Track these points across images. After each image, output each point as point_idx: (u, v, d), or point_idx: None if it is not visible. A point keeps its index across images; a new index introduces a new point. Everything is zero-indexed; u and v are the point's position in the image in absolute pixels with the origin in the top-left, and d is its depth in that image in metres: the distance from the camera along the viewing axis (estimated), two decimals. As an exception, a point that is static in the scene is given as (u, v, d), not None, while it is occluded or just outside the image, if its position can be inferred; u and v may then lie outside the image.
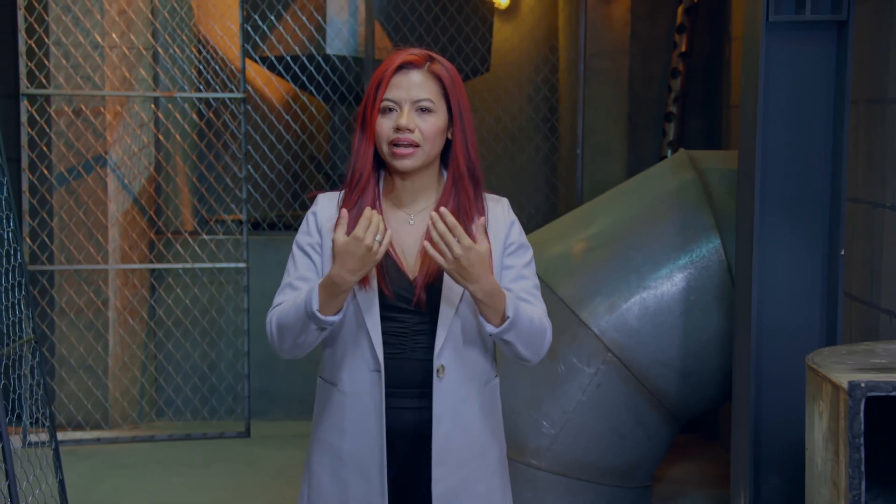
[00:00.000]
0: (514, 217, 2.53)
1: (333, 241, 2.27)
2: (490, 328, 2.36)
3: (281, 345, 2.43)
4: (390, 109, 2.41)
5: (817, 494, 2.55)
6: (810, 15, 3.41)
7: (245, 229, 6.13)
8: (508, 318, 2.34)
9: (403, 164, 2.40)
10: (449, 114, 2.45)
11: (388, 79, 2.41)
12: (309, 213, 2.51)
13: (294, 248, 2.50)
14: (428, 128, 2.40)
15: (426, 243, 2.27)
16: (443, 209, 2.27)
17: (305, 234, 2.49)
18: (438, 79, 2.43)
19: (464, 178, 2.46)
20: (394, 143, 2.39)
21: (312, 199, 2.55)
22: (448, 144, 2.48)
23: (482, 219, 2.34)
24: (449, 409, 2.41)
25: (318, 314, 2.31)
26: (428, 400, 2.41)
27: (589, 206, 4.74)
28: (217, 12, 6.74)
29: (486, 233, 2.32)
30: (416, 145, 2.39)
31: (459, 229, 2.26)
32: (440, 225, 2.25)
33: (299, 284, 2.44)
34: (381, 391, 2.39)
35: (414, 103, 2.40)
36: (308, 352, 2.44)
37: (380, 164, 2.49)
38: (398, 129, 2.38)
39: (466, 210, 2.45)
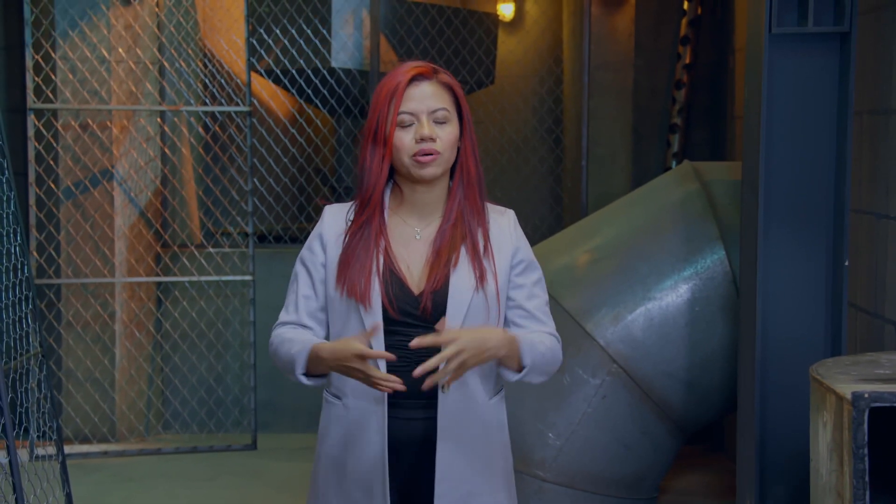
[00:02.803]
0: (520, 232, 2.54)
1: (349, 339, 2.31)
2: (510, 376, 2.41)
3: (277, 367, 2.53)
4: (408, 123, 2.43)
5: (822, 505, 2.56)
6: (813, 27, 3.42)
7: (251, 242, 6.15)
8: (526, 366, 2.39)
9: (428, 171, 2.42)
10: (459, 123, 2.47)
11: (401, 92, 2.42)
12: (315, 229, 2.53)
13: (297, 264, 2.53)
14: (447, 136, 2.43)
15: (442, 388, 2.32)
16: (413, 344, 2.27)
17: (309, 251, 2.51)
18: (449, 88, 2.46)
19: (472, 184, 2.48)
20: (416, 154, 2.41)
21: (318, 208, 2.58)
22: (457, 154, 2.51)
23: (443, 320, 2.35)
24: (454, 424, 2.41)
25: (301, 378, 2.42)
26: (434, 411, 2.42)
27: (594, 218, 4.75)
28: (223, 26, 6.78)
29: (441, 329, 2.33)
30: (439, 153, 2.41)
31: (438, 337, 2.26)
32: (430, 364, 2.25)
33: (301, 301, 2.50)
34: (384, 406, 2.40)
35: (431, 114, 2.42)
36: None
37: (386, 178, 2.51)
38: (422, 140, 2.40)
39: (473, 216, 2.47)
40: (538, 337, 2.45)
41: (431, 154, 2.40)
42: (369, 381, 2.30)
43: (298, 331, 2.48)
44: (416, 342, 2.26)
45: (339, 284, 2.42)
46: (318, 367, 2.39)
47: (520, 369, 2.40)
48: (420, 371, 2.25)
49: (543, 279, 2.54)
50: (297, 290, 2.50)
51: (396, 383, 2.28)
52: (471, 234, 2.46)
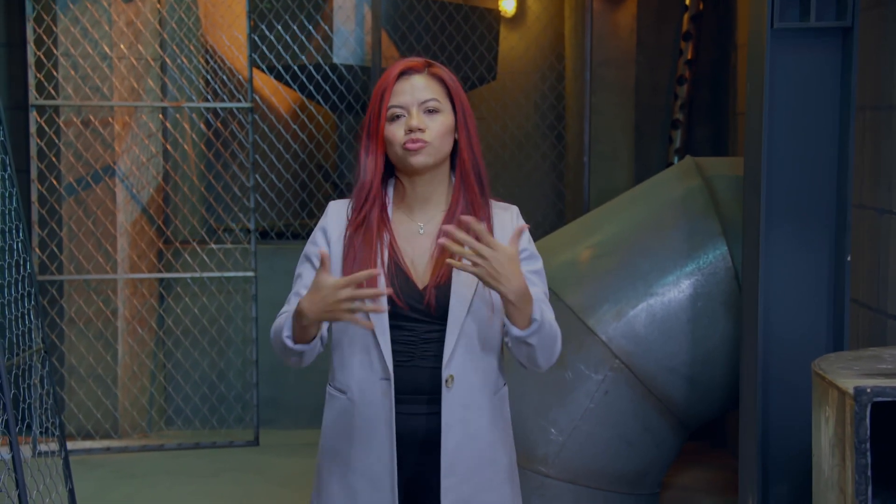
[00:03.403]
0: (523, 224, 2.54)
1: (316, 275, 2.26)
2: (516, 331, 2.33)
3: (277, 354, 2.46)
4: (398, 116, 2.43)
5: (824, 500, 2.56)
6: (815, 22, 3.42)
7: (253, 238, 6.15)
8: (535, 320, 2.33)
9: (417, 159, 2.42)
10: (454, 115, 2.48)
11: (391, 87, 2.43)
12: (320, 223, 2.53)
13: (302, 257, 2.53)
14: (437, 126, 2.43)
15: (449, 261, 2.25)
16: (465, 217, 2.25)
17: (313, 245, 2.51)
18: (441, 80, 2.47)
19: (469, 176, 2.48)
20: (405, 144, 2.42)
21: (321, 205, 2.58)
22: (455, 147, 2.51)
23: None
24: (458, 419, 2.42)
25: (287, 341, 2.34)
26: (437, 406, 2.42)
27: (596, 214, 4.75)
28: (224, 23, 6.77)
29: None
30: (427, 142, 2.42)
31: (486, 233, 2.23)
32: (460, 234, 2.23)
33: (304, 293, 2.46)
34: (391, 400, 2.40)
35: (421, 105, 2.43)
36: (307, 363, 2.45)
37: (388, 174, 2.51)
38: (410, 131, 2.41)
39: (474, 209, 2.47)
40: (547, 310, 2.41)
41: (419, 142, 2.41)
42: (341, 304, 2.23)
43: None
44: (473, 225, 2.22)
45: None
46: (301, 322, 2.30)
47: (528, 325, 2.33)
48: (444, 241, 2.22)
49: (543, 271, 2.54)
50: (299, 283, 2.50)
51: (384, 291, 2.27)
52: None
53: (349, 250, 2.45)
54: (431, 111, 2.44)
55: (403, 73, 2.45)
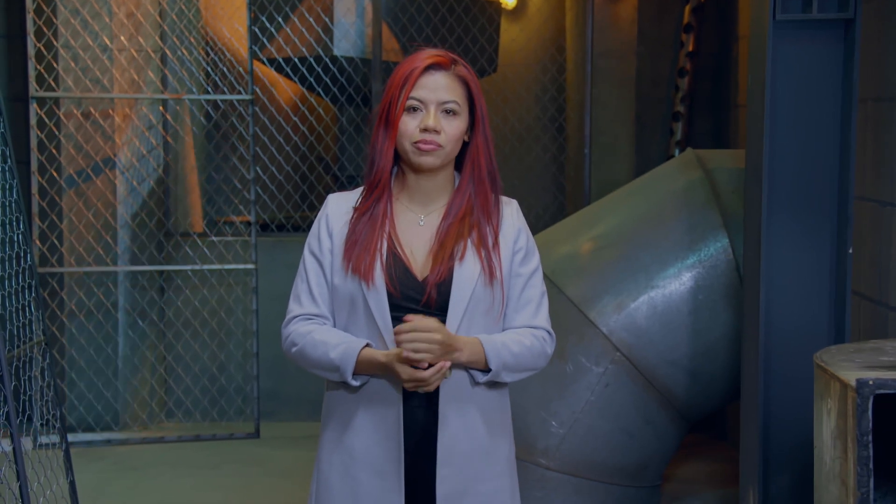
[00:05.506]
0: (522, 221, 2.55)
1: (397, 365, 2.34)
2: (480, 377, 2.44)
3: (296, 364, 2.52)
4: (415, 109, 2.43)
5: (826, 492, 2.55)
6: (817, 13, 3.41)
7: (254, 231, 6.15)
8: (491, 370, 2.42)
9: (426, 160, 2.42)
10: (471, 117, 2.47)
11: (415, 78, 2.42)
12: (320, 215, 2.53)
13: (305, 252, 2.52)
14: (452, 130, 2.43)
15: (409, 354, 2.32)
16: (407, 324, 2.32)
17: (316, 240, 2.51)
18: (464, 82, 2.46)
19: (484, 181, 2.49)
20: (417, 142, 2.41)
21: (321, 197, 2.58)
22: (463, 147, 2.50)
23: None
24: (455, 409, 2.42)
25: (350, 381, 2.41)
26: (436, 396, 2.43)
27: (596, 206, 4.74)
28: (225, 14, 6.76)
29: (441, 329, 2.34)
30: (440, 146, 2.41)
31: (424, 330, 2.31)
32: (405, 335, 2.30)
33: (315, 290, 2.48)
34: (400, 391, 2.41)
35: (440, 105, 2.43)
36: None
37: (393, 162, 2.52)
38: (425, 130, 2.41)
39: (484, 212, 2.47)
40: (515, 336, 2.46)
41: (432, 144, 2.40)
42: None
43: (325, 328, 2.46)
44: (407, 324, 2.32)
45: (345, 261, 2.43)
46: (363, 369, 2.41)
47: (488, 372, 2.43)
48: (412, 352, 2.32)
49: (541, 268, 2.54)
50: (308, 279, 2.49)
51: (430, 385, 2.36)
52: (479, 228, 2.46)
53: (352, 233, 2.45)
54: (449, 112, 2.43)
55: (430, 67, 2.43)
